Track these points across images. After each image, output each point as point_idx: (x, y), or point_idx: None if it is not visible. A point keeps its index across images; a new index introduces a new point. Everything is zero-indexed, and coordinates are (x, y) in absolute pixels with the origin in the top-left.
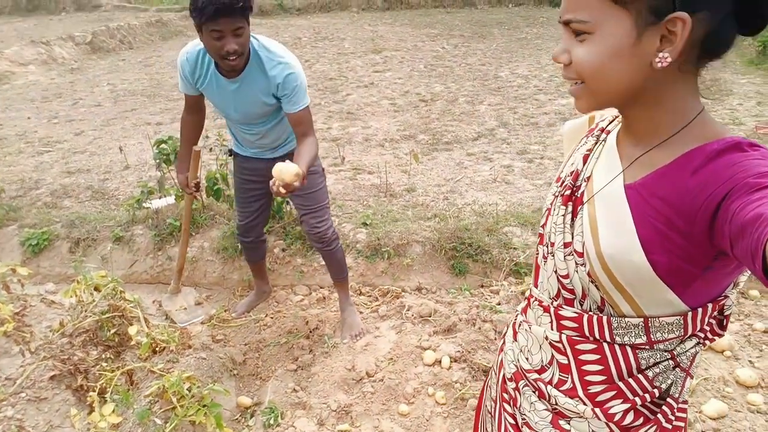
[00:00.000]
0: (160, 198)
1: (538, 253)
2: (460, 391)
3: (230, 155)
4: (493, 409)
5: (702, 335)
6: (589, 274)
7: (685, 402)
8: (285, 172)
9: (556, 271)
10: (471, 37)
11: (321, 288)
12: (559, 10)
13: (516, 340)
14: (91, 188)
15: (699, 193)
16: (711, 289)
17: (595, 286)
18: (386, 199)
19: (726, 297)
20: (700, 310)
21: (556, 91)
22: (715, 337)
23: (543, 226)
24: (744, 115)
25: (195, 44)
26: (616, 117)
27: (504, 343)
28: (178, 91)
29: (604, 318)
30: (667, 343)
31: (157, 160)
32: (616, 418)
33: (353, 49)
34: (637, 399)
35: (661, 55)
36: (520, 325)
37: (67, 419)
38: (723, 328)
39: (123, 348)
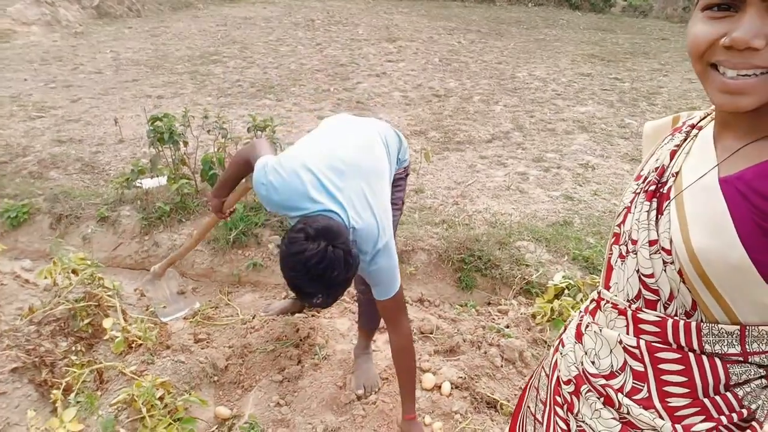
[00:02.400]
0: (152, 177)
1: (611, 253)
2: (460, 423)
3: None
4: (541, 413)
5: None
6: (679, 273)
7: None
8: None
9: (638, 271)
10: (488, 34)
11: None
12: None
13: (579, 342)
14: (81, 160)
15: None
16: None
17: (687, 287)
18: None
19: None
20: None
21: (574, 97)
22: None
23: (620, 225)
24: None
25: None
26: (709, 114)
27: (561, 343)
28: (182, 65)
29: (693, 323)
30: (763, 356)
31: (151, 138)
32: None
33: (367, 36)
34: (723, 418)
35: None
36: (587, 326)
37: (26, 417)
38: None
39: (96, 340)
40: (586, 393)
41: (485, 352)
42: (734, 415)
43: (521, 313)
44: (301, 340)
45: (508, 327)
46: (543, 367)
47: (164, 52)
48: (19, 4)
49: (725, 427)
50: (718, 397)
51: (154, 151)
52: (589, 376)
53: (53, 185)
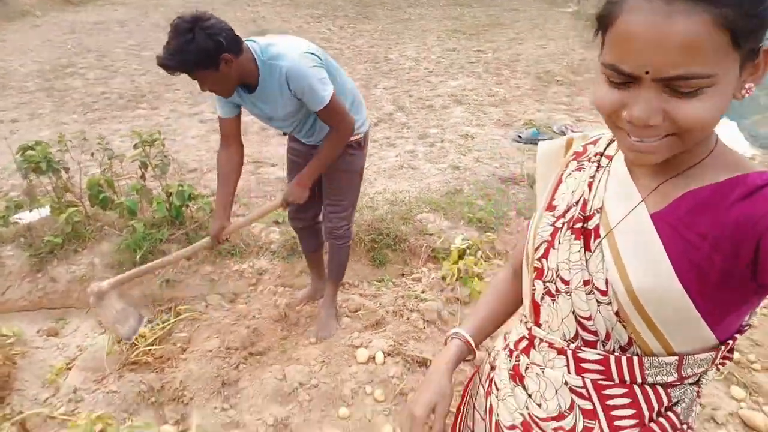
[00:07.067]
0: (30, 211)
1: (534, 289)
2: (398, 386)
3: (284, 134)
4: None
5: (719, 362)
6: (616, 313)
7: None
8: None
9: (574, 312)
10: (356, 18)
11: (237, 295)
12: (632, 63)
13: (519, 385)
14: None
15: (742, 226)
16: (739, 320)
17: (622, 325)
18: None
19: (749, 325)
20: (730, 342)
21: (445, 72)
22: (726, 362)
23: (541, 259)
24: None
25: None
26: (612, 140)
27: (491, 384)
28: (32, 81)
29: (635, 359)
30: (695, 376)
31: (23, 169)
32: None
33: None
34: None
35: (747, 86)
36: (527, 368)
37: None
38: (732, 351)
39: (7, 392)
40: None
41: (408, 319)
42: None
43: (432, 278)
44: (231, 346)
45: (423, 292)
46: (476, 408)
47: (6, 69)
48: None
49: None
50: (662, 419)
51: (25, 182)
52: (539, 421)
53: None
